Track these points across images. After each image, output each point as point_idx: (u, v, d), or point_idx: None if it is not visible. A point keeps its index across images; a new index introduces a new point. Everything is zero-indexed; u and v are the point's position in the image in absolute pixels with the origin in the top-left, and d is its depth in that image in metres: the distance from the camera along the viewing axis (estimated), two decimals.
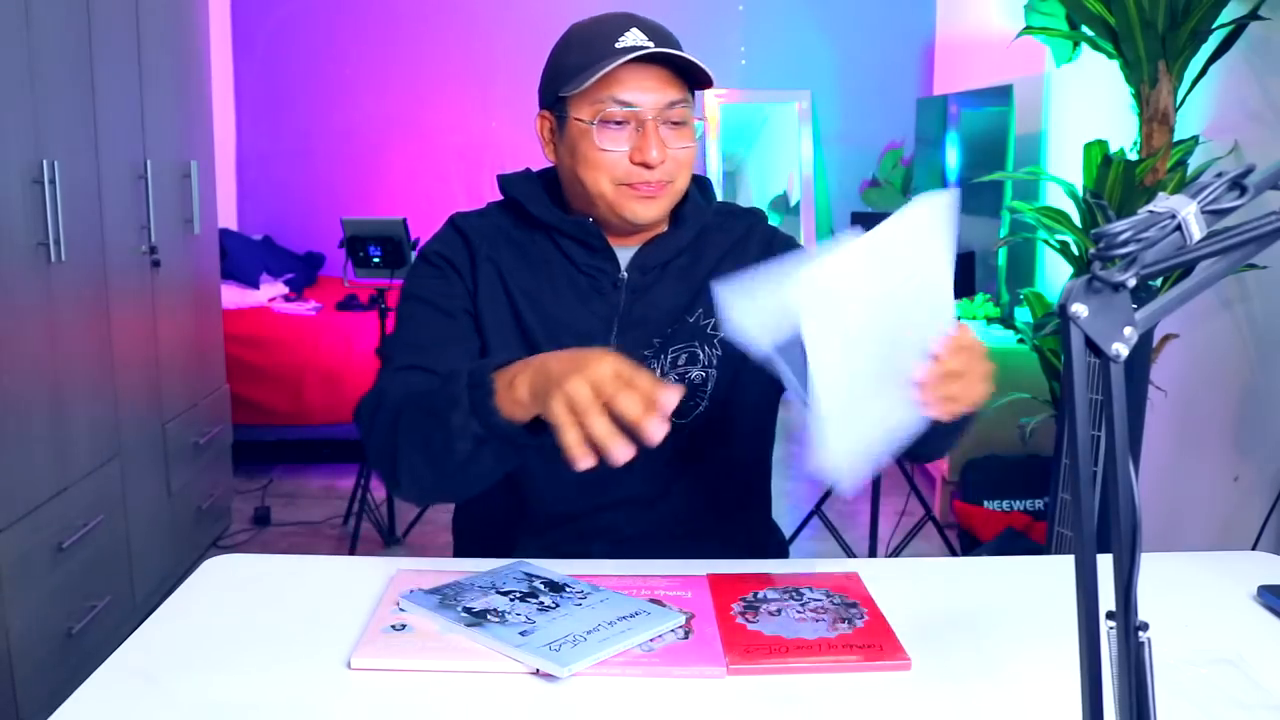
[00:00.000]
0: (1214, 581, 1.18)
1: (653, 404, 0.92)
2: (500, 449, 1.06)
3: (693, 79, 1.22)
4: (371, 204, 5.18)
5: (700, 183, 1.35)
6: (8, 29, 2.04)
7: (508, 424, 1.02)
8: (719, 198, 1.36)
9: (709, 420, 1.27)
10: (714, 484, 1.30)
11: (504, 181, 1.32)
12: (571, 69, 1.20)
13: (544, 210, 1.28)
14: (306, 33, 5.39)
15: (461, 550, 1.39)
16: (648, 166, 1.19)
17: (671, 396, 0.92)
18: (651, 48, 1.17)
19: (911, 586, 1.15)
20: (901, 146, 5.44)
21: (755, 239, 1.33)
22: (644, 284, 1.28)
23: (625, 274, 1.27)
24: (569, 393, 0.93)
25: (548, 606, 1.03)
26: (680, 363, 1.26)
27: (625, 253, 1.28)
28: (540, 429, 1.01)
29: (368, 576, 1.14)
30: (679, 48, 1.20)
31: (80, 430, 2.35)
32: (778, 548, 1.42)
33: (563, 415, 0.93)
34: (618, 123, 1.19)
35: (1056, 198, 3.25)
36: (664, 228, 1.30)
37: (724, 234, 1.32)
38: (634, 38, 1.18)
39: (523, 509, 1.29)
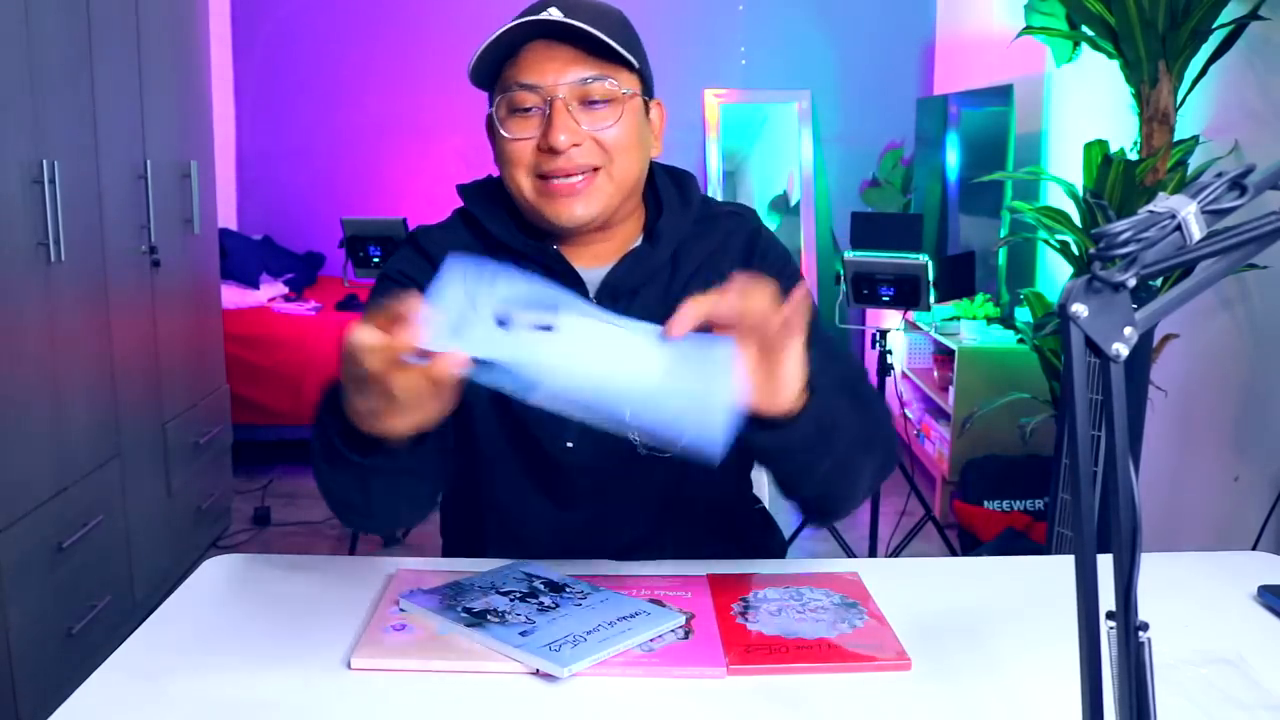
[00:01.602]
0: (1214, 581, 1.18)
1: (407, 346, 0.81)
2: (361, 473, 0.98)
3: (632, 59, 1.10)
4: (371, 204, 5.18)
5: (680, 184, 1.22)
6: (8, 29, 2.04)
7: (342, 442, 0.95)
8: (719, 197, 1.30)
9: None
10: (708, 513, 1.25)
11: (462, 193, 1.22)
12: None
13: (501, 230, 1.17)
14: (306, 33, 5.39)
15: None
16: (553, 152, 1.06)
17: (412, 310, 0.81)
18: (562, 21, 1.04)
19: (911, 586, 1.15)
20: (901, 146, 5.44)
21: (735, 246, 1.20)
22: (615, 310, 1.09)
23: (594, 300, 1.15)
24: (349, 376, 0.85)
25: (548, 607, 1.03)
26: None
27: (594, 274, 1.16)
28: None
29: (368, 576, 1.14)
30: (605, 26, 1.07)
31: (80, 430, 2.35)
32: (778, 548, 1.41)
33: (354, 398, 0.87)
34: (525, 109, 1.08)
35: (1056, 198, 3.25)
36: (636, 241, 1.19)
37: (702, 243, 1.19)
38: (547, 15, 1.06)
39: (489, 531, 1.24)
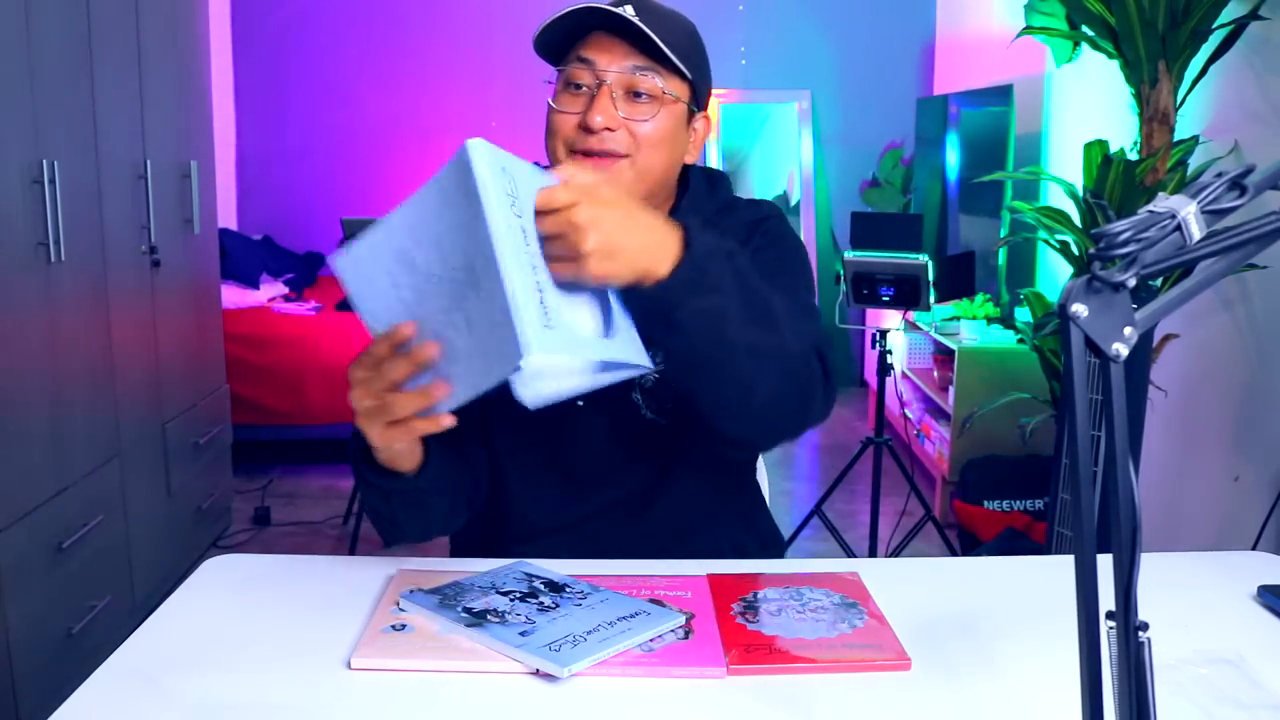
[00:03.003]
0: (1214, 581, 1.18)
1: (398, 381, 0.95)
2: (379, 493, 1.11)
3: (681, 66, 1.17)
4: (371, 204, 5.18)
5: (711, 177, 1.31)
6: (8, 29, 2.04)
7: (368, 470, 1.08)
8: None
9: (691, 421, 1.22)
10: (701, 486, 1.27)
11: None
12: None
13: None
14: (306, 33, 5.39)
15: (456, 552, 1.38)
16: (589, 130, 1.14)
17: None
18: (624, 15, 1.12)
19: (911, 586, 1.15)
20: (901, 146, 5.44)
21: (742, 229, 1.26)
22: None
23: None
24: (355, 408, 0.99)
25: (548, 607, 1.03)
26: (659, 360, 1.23)
27: None
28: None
29: (368, 576, 1.14)
30: (671, 34, 1.15)
31: (80, 430, 2.35)
32: (775, 548, 1.40)
33: (363, 424, 0.99)
34: (579, 86, 1.16)
35: (1056, 198, 3.25)
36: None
37: (718, 228, 1.23)
38: (621, 10, 1.14)
39: (510, 521, 1.28)
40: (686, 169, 1.29)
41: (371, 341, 0.96)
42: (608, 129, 1.14)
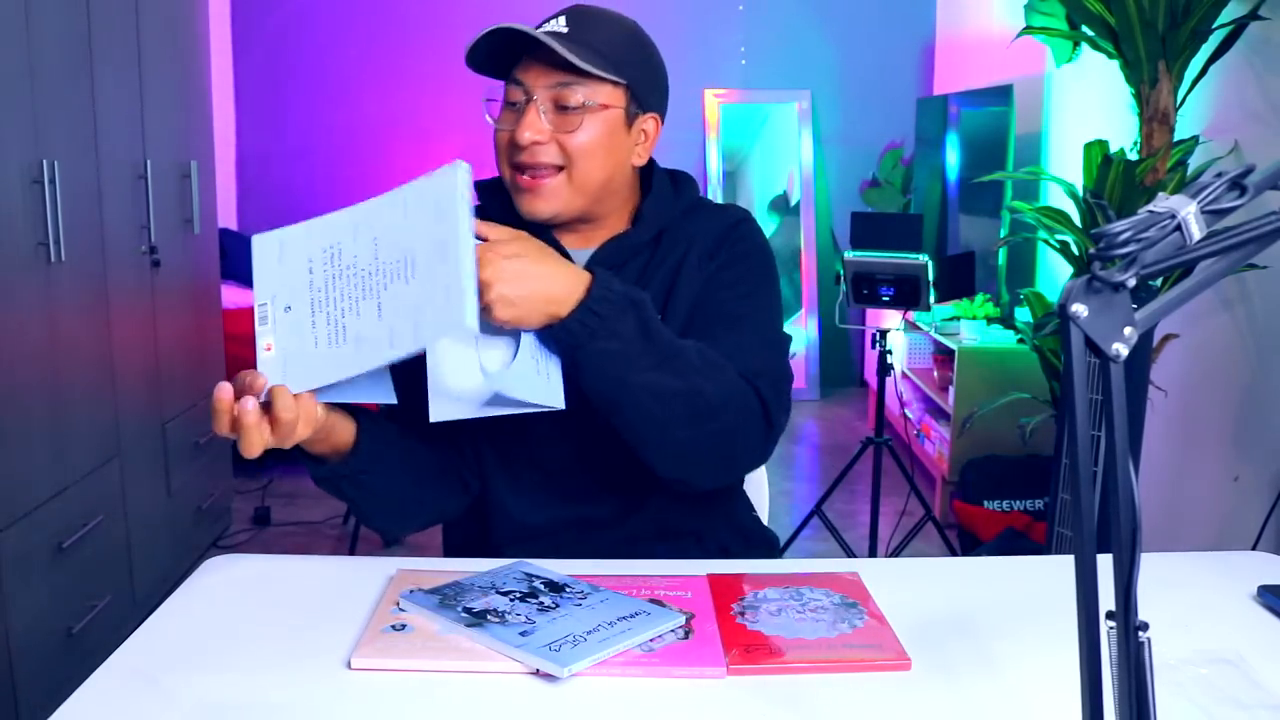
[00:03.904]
0: (1214, 581, 1.18)
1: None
2: (327, 485, 1.16)
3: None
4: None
5: (676, 179, 1.31)
6: (8, 29, 2.04)
7: (309, 464, 1.14)
8: (719, 198, 1.34)
9: None
10: (682, 498, 1.26)
11: (475, 186, 1.32)
12: None
13: (497, 216, 1.22)
14: (306, 33, 5.39)
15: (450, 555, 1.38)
16: (519, 146, 1.17)
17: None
18: (542, 35, 1.14)
19: (911, 586, 1.15)
20: (901, 146, 5.44)
21: (713, 233, 1.27)
22: None
23: None
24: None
25: (548, 607, 1.03)
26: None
27: (582, 255, 1.25)
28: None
29: (368, 576, 1.14)
30: (598, 41, 1.17)
31: (80, 430, 2.35)
32: (765, 548, 1.39)
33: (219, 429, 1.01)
34: (512, 104, 1.19)
35: (1056, 198, 3.25)
36: (624, 226, 1.27)
37: (685, 229, 1.27)
38: (549, 26, 1.18)
39: (495, 521, 1.29)
40: (649, 171, 1.30)
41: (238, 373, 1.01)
42: (536, 142, 1.17)
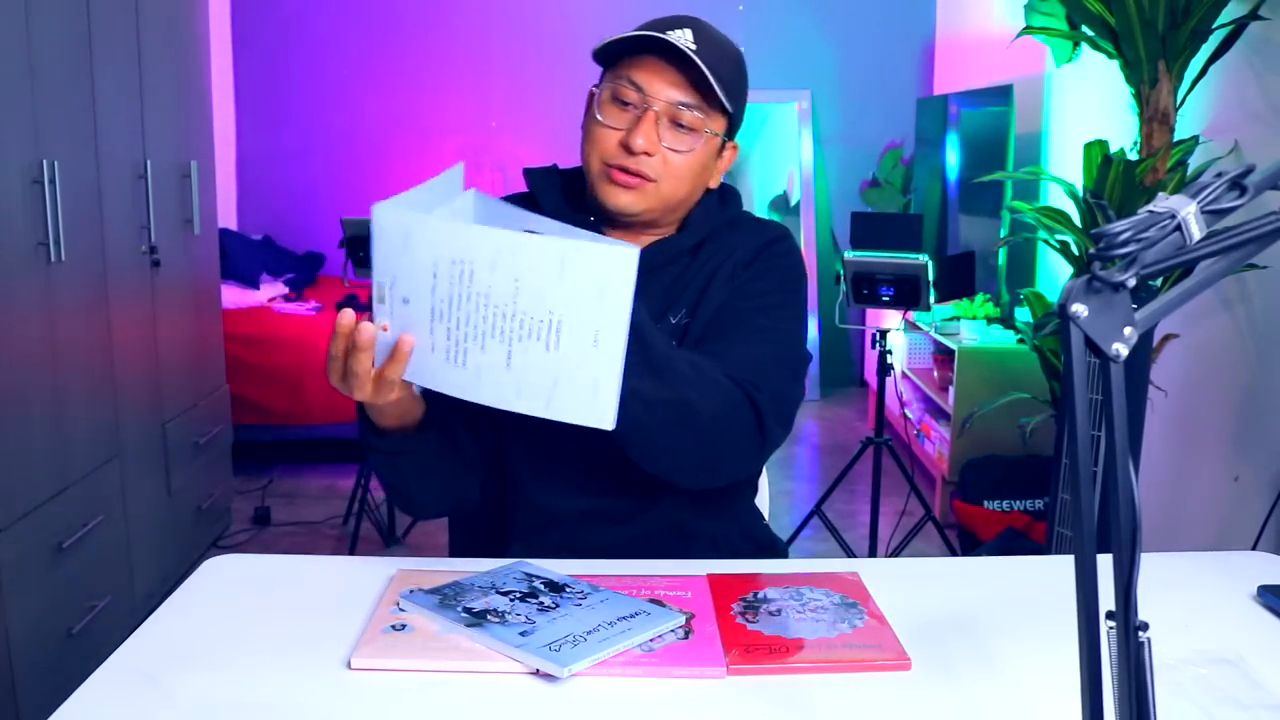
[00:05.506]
0: (1214, 581, 1.18)
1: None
2: (384, 457, 1.16)
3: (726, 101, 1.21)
4: (371, 204, 5.18)
5: (724, 193, 1.34)
6: (8, 29, 2.04)
7: (374, 437, 1.14)
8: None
9: None
10: (693, 499, 1.27)
11: (526, 173, 1.34)
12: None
13: (551, 204, 1.28)
14: (306, 33, 5.39)
15: (457, 550, 1.39)
16: (630, 151, 1.19)
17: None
18: (684, 47, 1.16)
19: (911, 586, 1.15)
20: (901, 146, 5.44)
21: (751, 247, 1.30)
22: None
23: None
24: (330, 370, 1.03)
25: (548, 607, 1.03)
26: None
27: None
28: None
29: (368, 576, 1.14)
30: (723, 69, 1.19)
31: (80, 430, 2.35)
32: (770, 552, 1.40)
33: (335, 382, 1.04)
34: (625, 103, 1.20)
35: (1056, 198, 3.25)
36: (671, 231, 1.29)
37: (726, 240, 1.30)
38: (678, 37, 1.17)
39: (517, 511, 1.30)
40: None
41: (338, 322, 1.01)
42: (646, 153, 1.19)
